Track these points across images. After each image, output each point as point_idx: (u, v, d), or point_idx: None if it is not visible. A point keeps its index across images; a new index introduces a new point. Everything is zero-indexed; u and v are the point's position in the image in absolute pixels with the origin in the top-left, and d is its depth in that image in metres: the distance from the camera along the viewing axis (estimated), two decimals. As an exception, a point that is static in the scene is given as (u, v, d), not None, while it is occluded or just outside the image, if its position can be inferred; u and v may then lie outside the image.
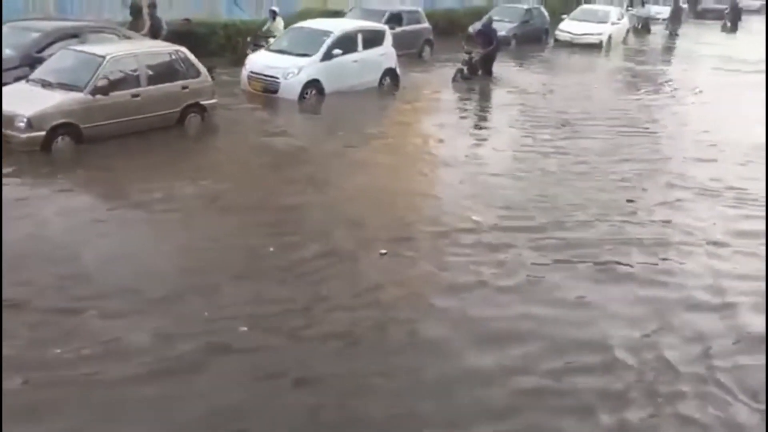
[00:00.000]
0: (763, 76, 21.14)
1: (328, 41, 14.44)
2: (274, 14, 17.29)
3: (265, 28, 17.31)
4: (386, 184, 10.04)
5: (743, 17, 35.24)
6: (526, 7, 25.40)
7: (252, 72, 14.23)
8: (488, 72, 17.84)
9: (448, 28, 23.59)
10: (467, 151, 12.05)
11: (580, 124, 14.03)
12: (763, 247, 8.30)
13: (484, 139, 13.33)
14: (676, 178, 10.84)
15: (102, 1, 17.04)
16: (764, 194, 10.12)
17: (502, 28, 22.41)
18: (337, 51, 14.39)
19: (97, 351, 5.53)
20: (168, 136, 11.23)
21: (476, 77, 17.52)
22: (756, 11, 41.04)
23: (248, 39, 16.82)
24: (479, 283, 7.13)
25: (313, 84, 14.06)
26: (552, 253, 7.88)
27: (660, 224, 9.01)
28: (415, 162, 11.38)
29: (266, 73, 14.03)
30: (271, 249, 7.55)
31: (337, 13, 20.10)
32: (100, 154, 10.05)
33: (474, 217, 8.74)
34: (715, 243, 8.45)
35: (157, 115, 11.20)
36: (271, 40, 15.86)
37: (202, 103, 11.88)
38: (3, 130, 9.79)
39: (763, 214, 9.41)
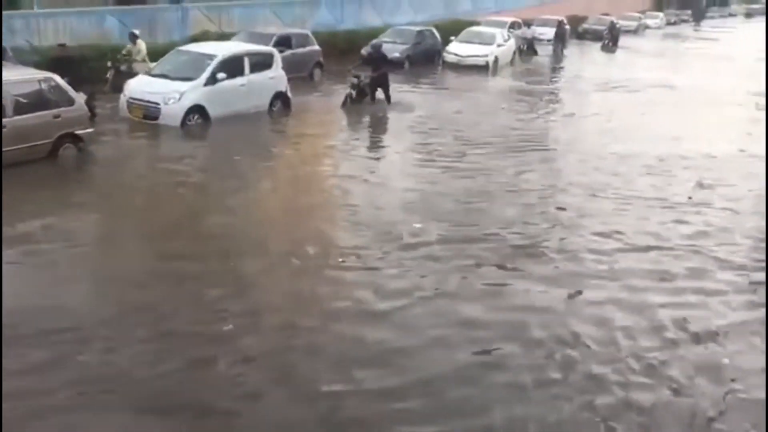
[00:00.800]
0: (645, 93, 21.79)
1: (212, 65, 13.74)
2: (134, 37, 15.89)
3: (124, 51, 16.00)
4: (296, 206, 9.86)
5: (621, 37, 36.34)
6: (418, 29, 25.10)
7: (131, 98, 13.39)
8: (387, 97, 17.01)
9: (348, 49, 23.23)
10: (373, 169, 11.90)
11: (480, 141, 13.96)
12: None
13: (386, 158, 13.12)
14: (593, 188, 11.16)
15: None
16: (677, 200, 10.71)
17: (396, 50, 22.31)
18: (221, 75, 13.70)
19: None
20: (39, 169, 10.30)
21: (366, 101, 16.86)
22: (633, 31, 42.62)
23: (108, 64, 15.64)
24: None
25: (197, 109, 13.33)
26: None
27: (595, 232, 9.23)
28: (320, 184, 11.07)
29: (146, 98, 13.21)
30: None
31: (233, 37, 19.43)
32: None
33: (416, 225, 9.00)
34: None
35: (25, 147, 10.30)
36: (150, 65, 15.00)
37: (77, 132, 11.06)
38: None
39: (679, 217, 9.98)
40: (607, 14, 41.27)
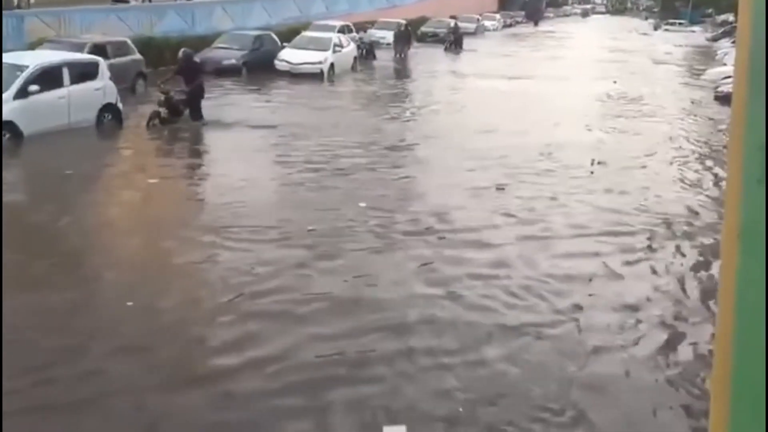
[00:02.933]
0: (505, 93, 21.81)
1: (23, 76, 12.41)
2: None
3: None
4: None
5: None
6: (256, 33, 23.91)
7: None
8: (197, 113, 14.82)
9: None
10: (236, 174, 11.32)
11: (334, 146, 13.54)
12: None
13: (240, 167, 11.96)
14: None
15: None
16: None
17: (232, 56, 21.33)
18: (34, 87, 12.42)
19: None
20: None
21: (181, 119, 14.69)
22: (472, 33, 42.66)
23: None
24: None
25: (6, 126, 11.96)
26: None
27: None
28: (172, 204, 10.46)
29: (-60, 115, 11.83)
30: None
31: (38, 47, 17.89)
32: None
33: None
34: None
35: None
36: None
37: None
38: None
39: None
40: (454, 17, 40.80)
